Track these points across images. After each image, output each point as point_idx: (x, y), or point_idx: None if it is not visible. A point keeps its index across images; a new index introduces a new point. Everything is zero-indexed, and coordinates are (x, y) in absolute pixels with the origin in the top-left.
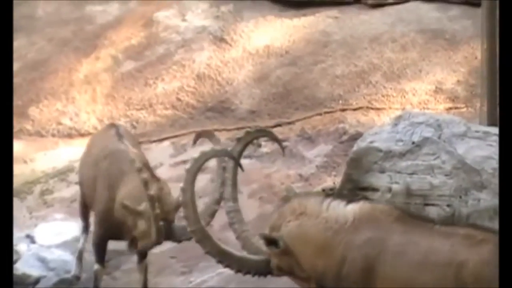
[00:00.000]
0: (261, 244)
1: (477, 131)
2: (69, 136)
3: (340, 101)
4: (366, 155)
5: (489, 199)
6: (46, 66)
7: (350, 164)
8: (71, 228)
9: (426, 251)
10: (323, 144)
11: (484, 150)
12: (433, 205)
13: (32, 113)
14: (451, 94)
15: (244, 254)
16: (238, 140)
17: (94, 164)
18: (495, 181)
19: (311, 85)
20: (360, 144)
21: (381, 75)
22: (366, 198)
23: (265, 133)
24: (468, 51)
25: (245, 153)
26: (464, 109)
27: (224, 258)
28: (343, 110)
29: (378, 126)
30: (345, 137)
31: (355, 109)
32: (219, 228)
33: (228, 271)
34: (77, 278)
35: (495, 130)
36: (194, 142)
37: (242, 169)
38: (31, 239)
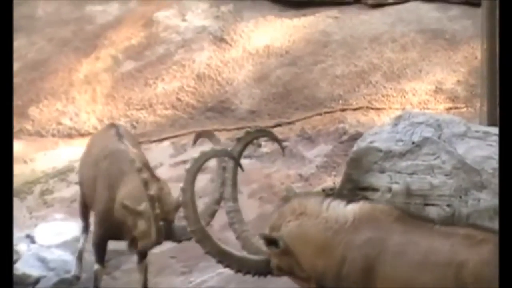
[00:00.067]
0: (261, 244)
1: (477, 131)
2: (69, 136)
3: (340, 101)
4: (366, 155)
5: (489, 199)
6: (46, 66)
7: (350, 164)
8: (71, 228)
9: (426, 251)
10: (323, 144)
11: (484, 150)
12: (433, 205)
13: (32, 113)
14: (451, 94)
15: (244, 254)
16: (238, 140)
17: (94, 164)
18: (495, 181)
19: (311, 85)
20: (360, 144)
21: (381, 75)
22: (366, 198)
23: (265, 133)
24: (468, 51)
25: (245, 153)
26: (464, 109)
27: (224, 258)
28: (343, 110)
29: (378, 126)
30: (345, 137)
31: (355, 109)
32: (219, 228)
33: (228, 271)
34: (77, 278)
35: (495, 130)
36: (194, 142)
37: (242, 169)
38: (31, 239)
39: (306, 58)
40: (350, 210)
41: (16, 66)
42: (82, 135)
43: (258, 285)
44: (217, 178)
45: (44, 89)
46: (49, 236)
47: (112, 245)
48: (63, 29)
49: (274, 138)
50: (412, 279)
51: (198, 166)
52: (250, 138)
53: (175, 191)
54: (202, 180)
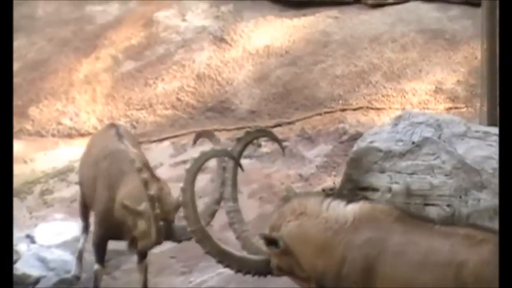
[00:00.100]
0: (261, 244)
1: (477, 131)
2: (69, 136)
3: (340, 101)
4: (366, 155)
5: (489, 199)
6: (46, 66)
7: (350, 164)
8: (71, 228)
9: (426, 251)
10: (323, 144)
11: (484, 150)
12: (433, 205)
13: (32, 113)
14: (451, 94)
15: (244, 254)
16: (238, 140)
17: (94, 164)
18: (495, 181)
19: (311, 85)
20: (360, 144)
21: (381, 75)
22: (366, 198)
23: (265, 133)
24: (468, 51)
25: (245, 153)
26: (464, 109)
27: (224, 258)
28: (343, 110)
29: (378, 126)
30: (345, 137)
31: (355, 109)
32: (219, 228)
33: (228, 271)
34: (77, 278)
35: (495, 130)
36: (194, 142)
37: (242, 169)
38: (31, 239)
39: (306, 58)
40: (350, 210)
41: (16, 66)
42: (82, 135)
43: (258, 285)
44: (217, 178)
45: (44, 89)
46: (49, 236)
47: (112, 245)
48: (63, 29)
49: (274, 138)
50: (412, 279)
51: (198, 166)
52: (250, 138)
53: (175, 191)
54: (202, 180)
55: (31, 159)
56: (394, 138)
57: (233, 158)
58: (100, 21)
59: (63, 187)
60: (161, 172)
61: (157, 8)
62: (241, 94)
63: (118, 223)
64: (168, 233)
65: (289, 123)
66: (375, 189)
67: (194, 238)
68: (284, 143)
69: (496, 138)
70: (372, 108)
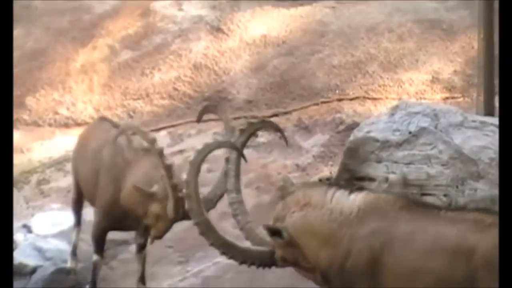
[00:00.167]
0: (265, 235)
1: (473, 121)
2: (66, 125)
3: (337, 91)
4: (362, 145)
5: (486, 189)
6: (43, 56)
7: (347, 154)
8: (68, 217)
9: (434, 238)
10: (320, 134)
11: (481, 140)
12: (429, 195)
13: (29, 102)
14: (448, 84)
15: (248, 245)
16: (241, 131)
17: (93, 157)
18: (492, 171)
19: (308, 75)
20: (357, 134)
21: (378, 65)
22: (362, 188)
23: (268, 124)
24: (465, 41)
25: None
26: (461, 99)
27: (228, 250)
28: (340, 100)
29: (375, 116)
30: (341, 127)
31: (351, 99)
32: (218, 217)
33: (224, 261)
34: (73, 270)
35: (492, 119)
36: (199, 118)
37: (246, 160)
38: (27, 229)
39: (303, 48)
40: (354, 201)
41: (13, 56)
42: (78, 124)
43: (255, 275)
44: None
45: (41, 79)
46: (45, 226)
47: (109, 235)
48: (60, 19)
49: (277, 129)
50: (421, 267)
51: (201, 158)
52: (254, 129)
53: None
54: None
55: (28, 148)
56: (390, 128)
57: (236, 150)
58: (97, 10)
59: (59, 177)
60: None
61: None
62: (238, 84)
63: (124, 214)
64: (182, 210)
65: (286, 113)
66: (371, 179)
67: (198, 230)
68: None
69: (493, 128)
70: (369, 98)
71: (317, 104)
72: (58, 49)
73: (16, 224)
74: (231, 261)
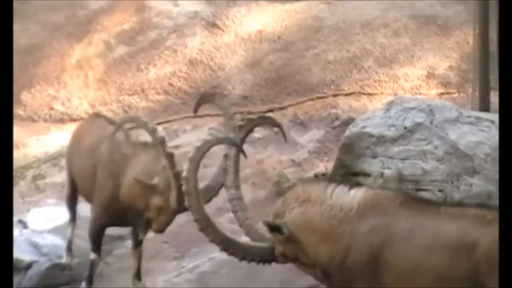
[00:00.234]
0: (264, 231)
1: (469, 116)
2: (61, 121)
3: (332, 87)
4: (358, 140)
5: (481, 184)
6: (38, 52)
7: (342, 149)
8: (63, 213)
9: (435, 234)
10: (315, 129)
11: (476, 135)
12: (425, 190)
13: (24, 98)
14: (443, 79)
15: (248, 241)
16: (240, 127)
17: (89, 153)
18: (487, 166)
19: (303, 70)
20: (352, 129)
21: (373, 61)
22: (358, 184)
23: (267, 120)
24: (460, 36)
25: None
26: (456, 95)
27: (228, 246)
28: (335, 95)
29: (370, 112)
30: (337, 123)
31: (347, 95)
32: (213, 212)
33: (220, 256)
34: (68, 266)
35: (487, 115)
36: (196, 109)
37: (245, 156)
38: (23, 224)
39: (299, 44)
40: (354, 197)
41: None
42: (74, 120)
43: (250, 270)
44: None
45: (36, 74)
46: (41, 221)
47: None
48: (56, 14)
49: (276, 125)
50: (422, 263)
51: (201, 155)
52: (252, 125)
53: None
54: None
55: (23, 144)
56: (386, 123)
57: (236, 146)
58: (93, 6)
59: (55, 172)
60: None
61: None
62: (233, 79)
63: (123, 209)
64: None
65: (281, 108)
66: (367, 174)
67: (198, 226)
68: (277, 129)
69: (488, 123)
70: (364, 94)
71: (313, 100)
72: (54, 44)
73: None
74: (227, 257)
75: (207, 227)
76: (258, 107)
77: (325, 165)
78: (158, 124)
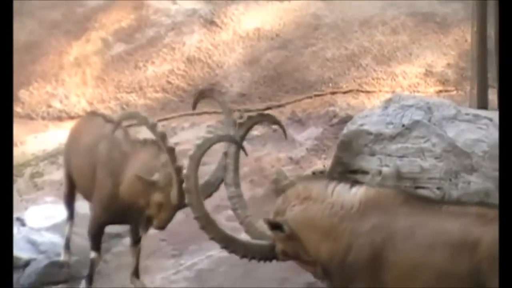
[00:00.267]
0: (265, 228)
1: (467, 114)
2: (59, 118)
3: (331, 84)
4: (356, 138)
5: (479, 182)
6: (36, 49)
7: (340, 147)
8: (61, 211)
9: (436, 232)
10: (313, 127)
11: (474, 133)
12: (423, 188)
13: (22, 95)
14: (441, 77)
15: (248, 239)
16: (241, 124)
17: (88, 152)
18: (485, 164)
19: (301, 68)
20: (350, 127)
21: (371, 58)
22: (356, 181)
23: (267, 117)
24: (458, 34)
25: None
26: (454, 92)
27: (229, 244)
28: (334, 93)
29: (369, 109)
30: (335, 120)
31: (345, 92)
32: (212, 210)
33: (218, 254)
34: (66, 264)
35: (485, 113)
36: (195, 104)
37: (246, 154)
38: (21, 222)
39: (297, 41)
40: (355, 195)
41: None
42: (72, 117)
43: (248, 268)
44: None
45: (34, 72)
46: (39, 219)
47: None
48: (54, 12)
49: (276, 122)
50: (423, 261)
51: (201, 153)
52: (252, 123)
53: None
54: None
55: (21, 141)
56: (384, 121)
57: (236, 143)
58: (91, 3)
59: (53, 170)
60: None
61: None
62: (231, 77)
63: (123, 208)
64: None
65: (280, 106)
66: (365, 172)
67: (198, 224)
68: (275, 127)
69: (486, 121)
70: (362, 91)
71: (311, 97)
72: (52, 42)
73: None
74: (225, 254)
75: (208, 225)
76: (256, 104)
77: (323, 163)
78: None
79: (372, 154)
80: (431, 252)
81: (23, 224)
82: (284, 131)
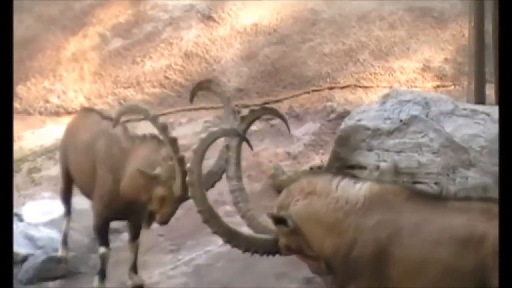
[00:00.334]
0: (267, 222)
1: (464, 109)
2: (57, 114)
3: (328, 79)
4: (354, 133)
5: (477, 177)
6: (34, 45)
7: (338, 142)
8: (59, 206)
9: (442, 228)
10: (311, 122)
11: (471, 128)
12: (421, 183)
13: (20, 91)
14: (439, 72)
15: (251, 233)
16: (243, 118)
17: (87, 149)
18: (483, 159)
19: (299, 63)
20: (348, 122)
21: (369, 53)
22: (354, 177)
23: (269, 111)
24: (456, 29)
25: None
26: (452, 87)
27: (232, 238)
28: (331, 88)
29: (366, 104)
30: (333, 115)
31: (343, 87)
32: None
33: (216, 249)
34: (63, 259)
35: (483, 108)
36: (192, 97)
37: (251, 148)
38: (19, 217)
39: (294, 37)
40: (360, 190)
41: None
42: (69, 113)
43: (246, 263)
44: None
45: (31, 67)
46: (36, 215)
47: None
48: (51, 7)
49: (278, 116)
50: (429, 257)
51: (205, 146)
52: (255, 116)
53: None
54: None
55: (19, 137)
56: (382, 116)
57: (241, 137)
58: None
59: (50, 165)
60: None
61: None
62: (229, 72)
63: (124, 204)
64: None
65: (277, 101)
66: (362, 167)
67: (201, 218)
68: (272, 122)
69: (484, 116)
70: (360, 86)
71: (308, 93)
72: (49, 37)
73: None
74: (223, 250)
75: (211, 219)
76: (254, 100)
77: (321, 158)
78: None
79: (370, 149)
80: (437, 247)
81: (20, 219)
82: (287, 125)
